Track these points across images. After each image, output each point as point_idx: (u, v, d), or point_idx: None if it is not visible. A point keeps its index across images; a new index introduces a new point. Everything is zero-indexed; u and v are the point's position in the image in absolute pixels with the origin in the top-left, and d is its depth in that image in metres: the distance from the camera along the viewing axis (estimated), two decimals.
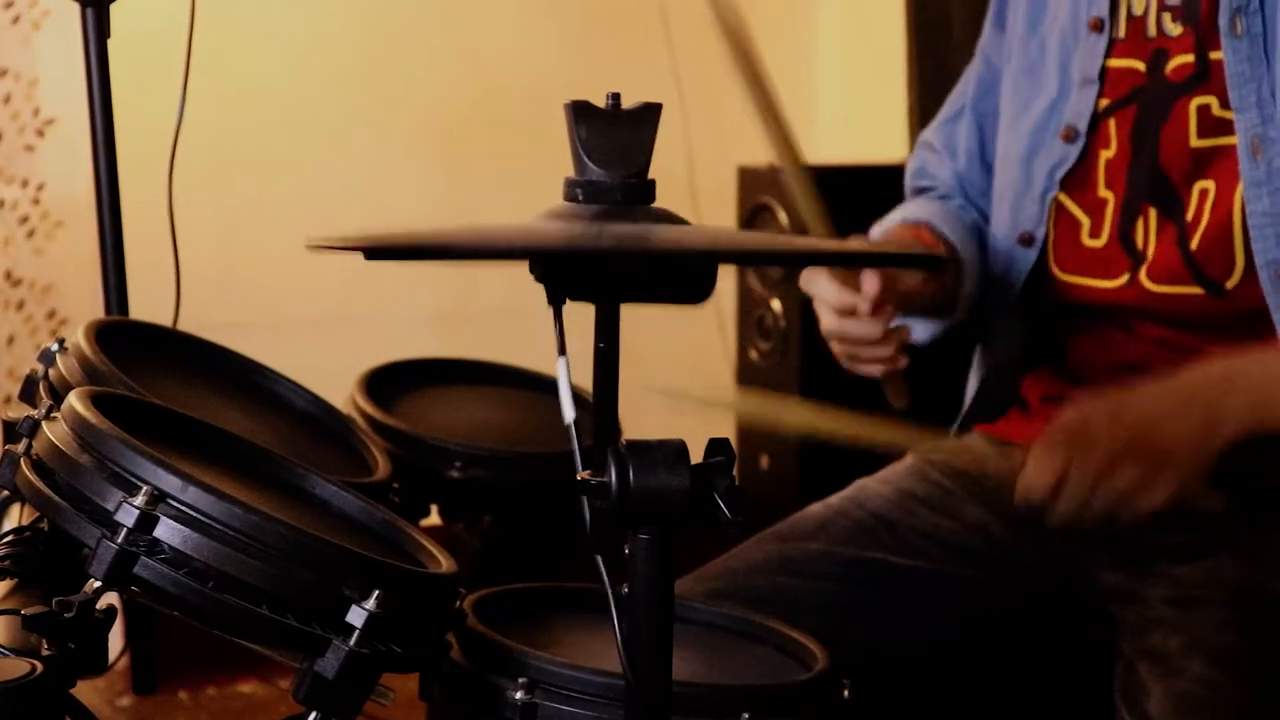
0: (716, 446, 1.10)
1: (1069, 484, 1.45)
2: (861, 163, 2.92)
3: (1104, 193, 1.68)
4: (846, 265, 1.61)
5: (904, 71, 3.11)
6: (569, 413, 1.07)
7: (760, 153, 3.20)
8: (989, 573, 1.66)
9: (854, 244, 1.57)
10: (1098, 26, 1.68)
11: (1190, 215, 1.60)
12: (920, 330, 1.81)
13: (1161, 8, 1.63)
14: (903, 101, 3.12)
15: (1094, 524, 1.47)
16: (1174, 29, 1.62)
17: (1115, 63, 1.67)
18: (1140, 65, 1.65)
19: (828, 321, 1.68)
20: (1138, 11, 1.65)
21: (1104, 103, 1.68)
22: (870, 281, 1.61)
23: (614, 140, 1.09)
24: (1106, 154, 1.67)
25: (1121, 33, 1.66)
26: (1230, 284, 1.58)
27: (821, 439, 1.59)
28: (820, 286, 1.65)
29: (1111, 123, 1.67)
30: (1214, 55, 1.58)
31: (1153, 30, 1.64)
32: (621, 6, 3.25)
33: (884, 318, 1.64)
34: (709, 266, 1.12)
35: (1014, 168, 1.76)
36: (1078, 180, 1.70)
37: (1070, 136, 1.70)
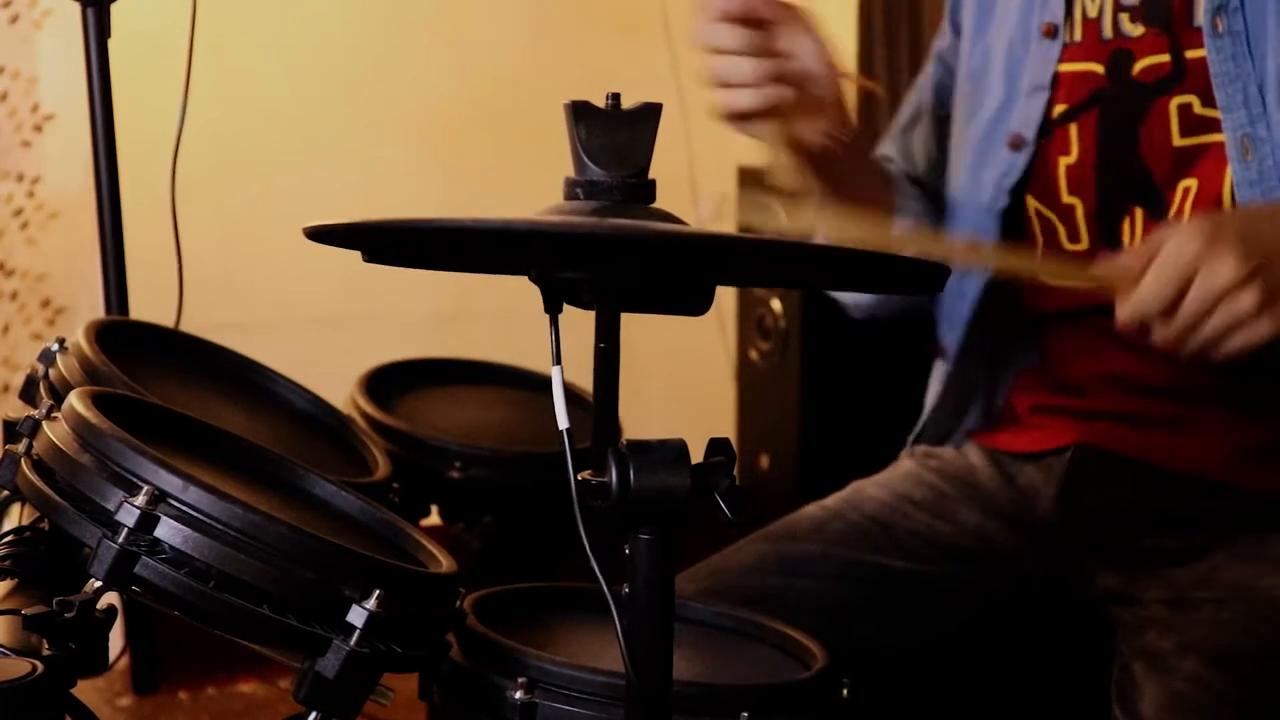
0: (716, 446, 1.10)
1: (1190, 301, 1.31)
2: None
3: (1069, 199, 1.65)
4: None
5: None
6: (563, 421, 1.07)
7: (759, 153, 3.22)
8: (984, 575, 1.66)
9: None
10: (1051, 32, 1.65)
11: (1173, 214, 1.57)
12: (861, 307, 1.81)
13: (1118, 8, 1.60)
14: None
15: (1190, 353, 1.34)
16: (1134, 29, 1.59)
17: (1068, 67, 1.64)
18: (1098, 68, 1.62)
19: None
20: (1092, 14, 1.62)
21: (1059, 109, 1.65)
22: None
23: (614, 140, 1.09)
24: (1066, 160, 1.64)
25: (1076, 36, 1.64)
26: None
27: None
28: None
29: (1072, 128, 1.64)
30: (1190, 54, 1.56)
31: (1109, 32, 1.61)
32: (621, 6, 3.25)
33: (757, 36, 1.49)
34: (709, 280, 1.11)
35: (964, 177, 1.74)
36: (1040, 188, 1.67)
37: (1017, 144, 1.67)
